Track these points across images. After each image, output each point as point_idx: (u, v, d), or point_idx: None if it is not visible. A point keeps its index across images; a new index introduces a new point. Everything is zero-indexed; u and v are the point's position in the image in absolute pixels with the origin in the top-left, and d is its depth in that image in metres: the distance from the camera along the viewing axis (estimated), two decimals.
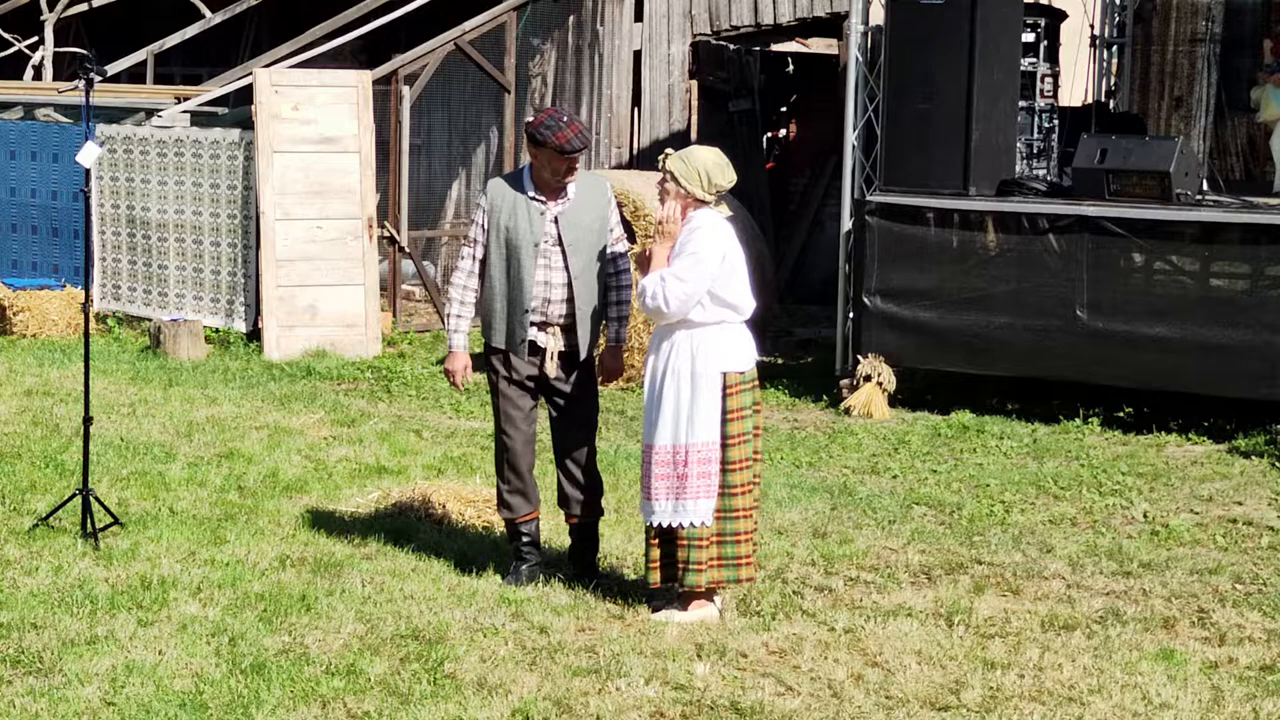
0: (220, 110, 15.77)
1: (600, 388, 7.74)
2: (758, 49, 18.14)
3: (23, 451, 9.93)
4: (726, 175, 7.02)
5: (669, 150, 7.14)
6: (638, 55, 16.65)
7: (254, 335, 14.48)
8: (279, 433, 10.78)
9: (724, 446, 6.99)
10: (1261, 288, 11.45)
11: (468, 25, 15.84)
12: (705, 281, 6.89)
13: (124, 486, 9.18)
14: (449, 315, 7.55)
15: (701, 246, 6.91)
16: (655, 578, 7.12)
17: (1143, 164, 11.80)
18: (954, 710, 6.17)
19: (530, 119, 7.42)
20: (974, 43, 12.11)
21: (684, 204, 7.03)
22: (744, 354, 7.07)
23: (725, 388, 6.97)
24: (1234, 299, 11.59)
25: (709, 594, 7.14)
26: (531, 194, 7.36)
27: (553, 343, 7.40)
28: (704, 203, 7.00)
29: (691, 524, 6.95)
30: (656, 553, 7.09)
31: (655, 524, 7.02)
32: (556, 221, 7.34)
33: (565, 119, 7.21)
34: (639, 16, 16.62)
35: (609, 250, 7.46)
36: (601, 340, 7.60)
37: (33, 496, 8.85)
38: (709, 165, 6.98)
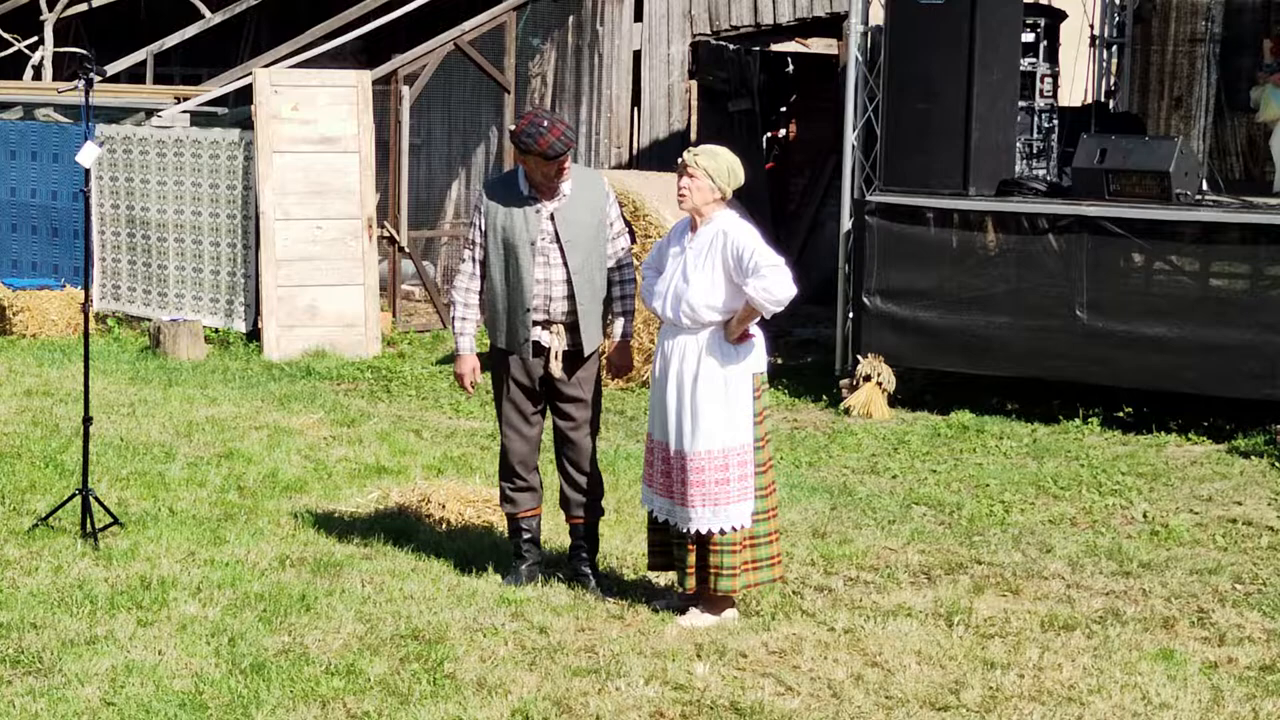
0: (220, 110, 15.76)
1: (603, 386, 7.73)
2: (758, 49, 18.12)
3: (23, 451, 9.93)
4: (742, 173, 7.09)
5: (693, 148, 7.11)
6: (637, 55, 16.64)
7: (254, 335, 14.48)
8: (279, 433, 10.78)
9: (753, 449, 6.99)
10: (1261, 288, 11.44)
11: (467, 25, 15.83)
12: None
13: (124, 486, 9.18)
14: (454, 319, 7.54)
15: (751, 240, 6.91)
16: (690, 583, 7.09)
17: (1142, 164, 11.79)
18: (954, 710, 6.17)
19: (512, 126, 7.38)
20: (974, 43, 12.11)
21: (709, 203, 7.01)
22: (763, 353, 7.09)
23: (754, 389, 6.98)
24: (1234, 299, 11.58)
25: (729, 599, 7.14)
26: (526, 193, 7.34)
27: (556, 342, 7.37)
28: (724, 200, 7.02)
29: (733, 528, 6.95)
30: (691, 558, 7.05)
31: (693, 531, 6.97)
32: (553, 219, 7.32)
33: (546, 123, 7.11)
34: (639, 16, 16.61)
35: (610, 245, 7.44)
36: (607, 341, 7.58)
37: (33, 496, 8.85)
38: (734, 164, 7.02)
